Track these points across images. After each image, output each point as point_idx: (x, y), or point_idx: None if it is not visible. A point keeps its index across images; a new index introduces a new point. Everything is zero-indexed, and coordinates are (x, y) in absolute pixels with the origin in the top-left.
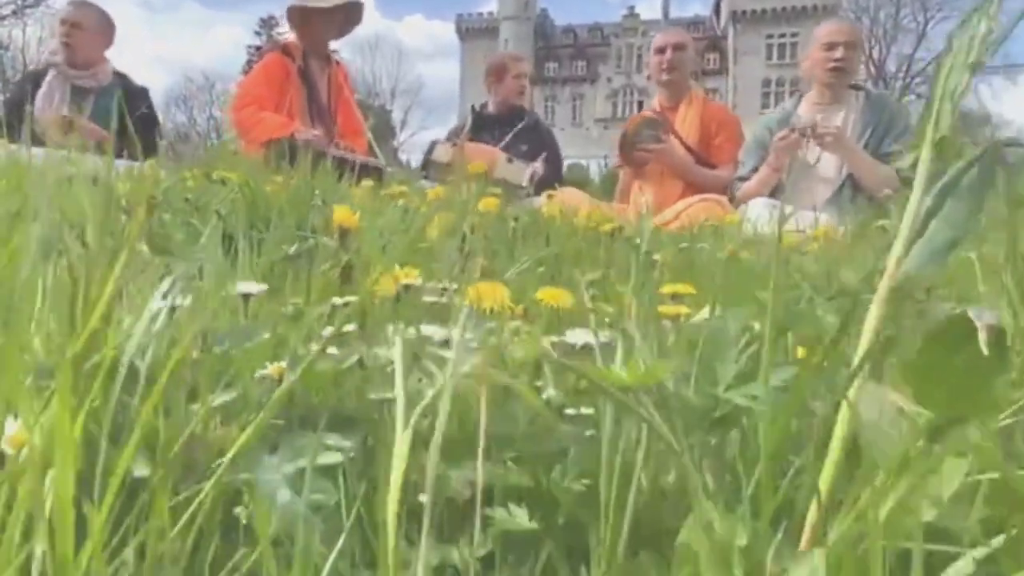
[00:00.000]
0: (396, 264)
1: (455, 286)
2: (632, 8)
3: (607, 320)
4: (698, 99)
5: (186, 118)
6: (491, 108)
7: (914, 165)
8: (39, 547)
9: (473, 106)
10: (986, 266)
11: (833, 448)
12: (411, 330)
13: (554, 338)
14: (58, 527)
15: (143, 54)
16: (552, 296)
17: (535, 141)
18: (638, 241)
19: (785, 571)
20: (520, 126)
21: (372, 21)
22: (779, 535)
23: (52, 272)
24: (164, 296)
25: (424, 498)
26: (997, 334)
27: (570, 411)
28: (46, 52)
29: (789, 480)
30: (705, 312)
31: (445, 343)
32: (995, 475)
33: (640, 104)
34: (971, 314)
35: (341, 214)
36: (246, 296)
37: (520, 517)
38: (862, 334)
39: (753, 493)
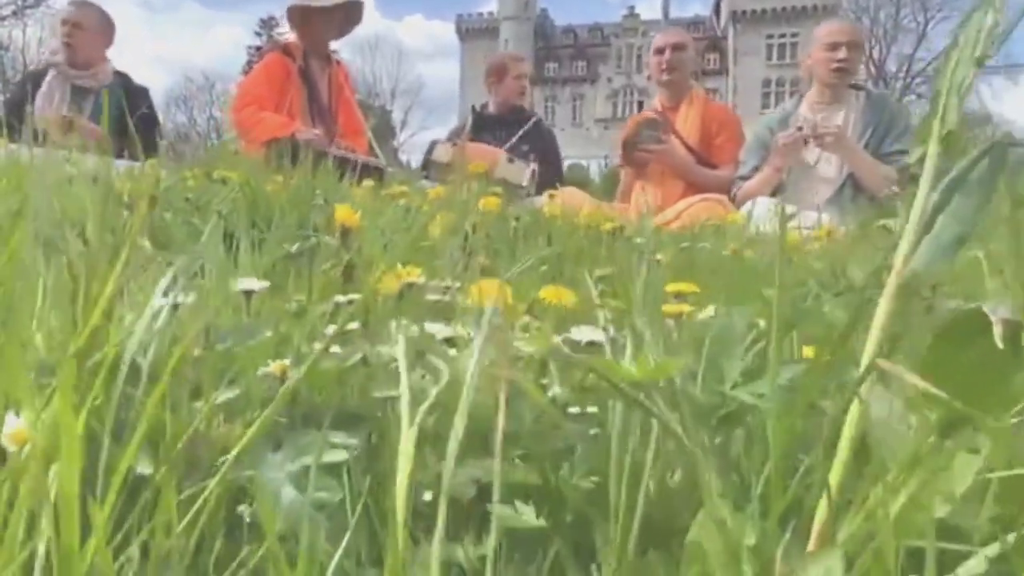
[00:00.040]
0: (398, 263)
1: (458, 284)
2: (632, 8)
3: (616, 317)
4: (699, 99)
5: (186, 118)
6: (491, 108)
7: (921, 160)
8: (42, 544)
9: (474, 106)
10: (992, 264)
11: (842, 446)
12: (414, 328)
13: (558, 336)
14: (63, 521)
15: (143, 54)
16: (555, 295)
17: (536, 141)
18: (640, 240)
19: (795, 571)
20: (524, 126)
21: (372, 21)
22: (788, 534)
23: (53, 270)
24: (166, 293)
25: (429, 496)
26: (1013, 328)
27: (574, 409)
28: (46, 52)
29: (798, 479)
30: (710, 310)
31: (449, 340)
32: (1005, 473)
33: (640, 104)
34: (986, 308)
35: (343, 213)
36: (248, 293)
37: (527, 515)
38: (870, 331)
39: (762, 492)
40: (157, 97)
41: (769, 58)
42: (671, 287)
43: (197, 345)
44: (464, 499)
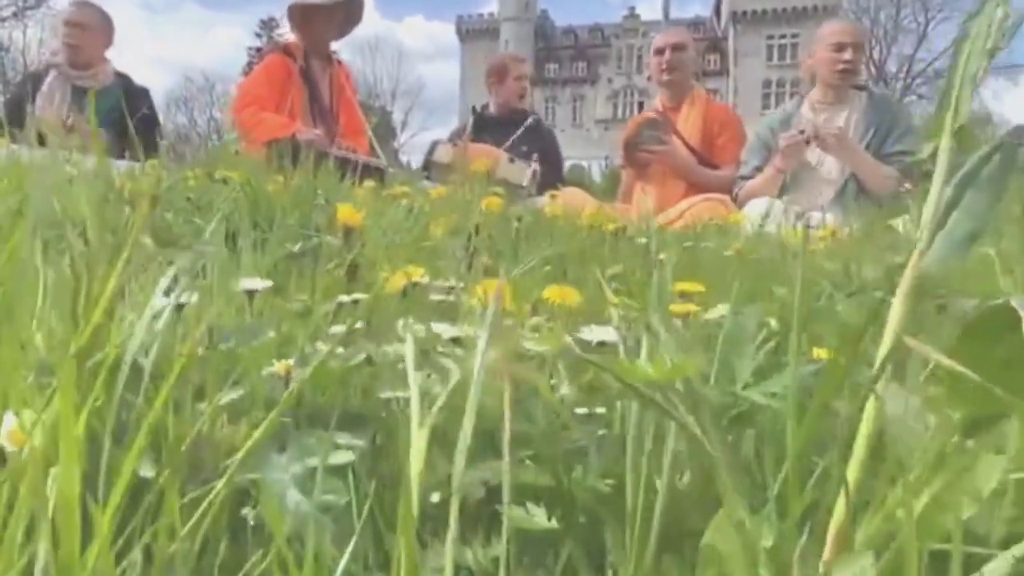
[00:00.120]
0: (402, 262)
1: (461, 284)
2: (632, 9)
3: (627, 316)
4: (700, 99)
5: (186, 119)
6: (492, 109)
7: (933, 155)
8: (42, 547)
9: (474, 107)
10: (1003, 263)
11: (858, 445)
12: (420, 327)
13: (568, 336)
14: (63, 526)
15: (143, 55)
16: (559, 294)
17: (536, 141)
18: (643, 240)
19: (817, 573)
20: (525, 126)
21: (372, 22)
22: (804, 536)
23: (53, 269)
24: (167, 292)
25: (436, 498)
26: None
27: (582, 410)
28: (47, 53)
29: (815, 480)
30: (718, 309)
31: (455, 340)
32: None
33: (641, 105)
34: (1014, 303)
35: (345, 212)
36: (251, 293)
37: (539, 516)
38: (885, 329)
39: (779, 493)
40: (157, 98)
41: (769, 59)
42: (677, 287)
43: (200, 345)
44: (472, 500)
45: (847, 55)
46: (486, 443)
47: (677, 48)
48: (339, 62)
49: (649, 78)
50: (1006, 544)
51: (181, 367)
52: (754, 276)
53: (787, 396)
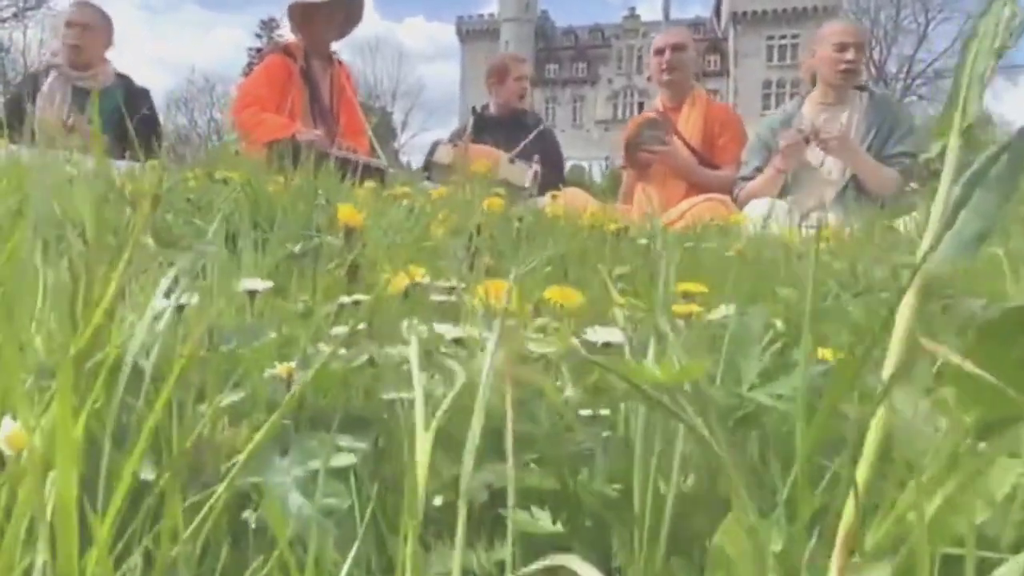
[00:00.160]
0: (403, 262)
1: (463, 285)
2: (633, 9)
3: (633, 316)
4: (701, 99)
5: (187, 120)
6: (492, 110)
7: (941, 154)
8: (40, 554)
9: (475, 108)
10: (1012, 262)
11: (868, 447)
12: (423, 328)
13: (573, 337)
14: (61, 536)
15: (143, 56)
16: (560, 295)
17: (537, 142)
18: (643, 241)
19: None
20: (533, 131)
21: (372, 23)
22: (812, 540)
23: (53, 270)
24: (168, 293)
25: (439, 501)
26: None
27: (585, 412)
28: (47, 54)
29: (824, 484)
30: (721, 310)
31: (458, 341)
32: None
33: (641, 106)
34: None
35: (346, 212)
36: (252, 293)
37: (543, 520)
38: (894, 330)
39: (788, 496)
40: (158, 99)
41: (770, 60)
42: (679, 287)
43: (201, 346)
44: (476, 503)
45: (849, 55)
46: (490, 445)
47: (677, 48)
48: (340, 62)
49: (649, 79)
50: (1016, 548)
51: (181, 368)
52: (756, 277)
53: (797, 398)
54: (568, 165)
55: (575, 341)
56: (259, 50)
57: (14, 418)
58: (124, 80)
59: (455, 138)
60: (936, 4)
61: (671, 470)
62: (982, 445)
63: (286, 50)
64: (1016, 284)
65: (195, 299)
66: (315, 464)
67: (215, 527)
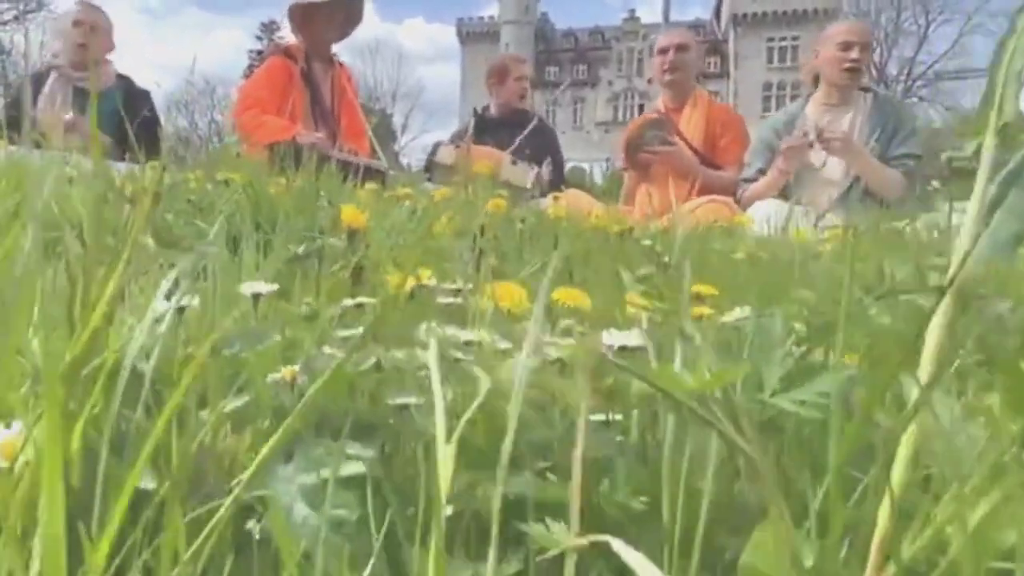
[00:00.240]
0: (413, 265)
1: (469, 286)
2: (633, 11)
3: (654, 319)
4: (703, 100)
5: (187, 122)
6: (493, 111)
7: (976, 153)
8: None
9: (475, 109)
10: None
11: (901, 456)
12: (432, 331)
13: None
14: (47, 563)
15: (144, 58)
16: (568, 297)
17: (538, 143)
18: (648, 242)
19: None
20: (528, 129)
21: (372, 25)
22: (843, 552)
23: (51, 272)
24: (168, 295)
25: (449, 511)
26: None
27: (598, 417)
28: (48, 55)
29: (857, 495)
30: (736, 312)
31: (469, 344)
32: None
33: (641, 107)
34: None
35: (349, 213)
36: (255, 296)
37: (560, 533)
38: (928, 335)
39: (820, 508)
40: (158, 101)
41: (770, 61)
42: (692, 289)
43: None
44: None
45: (854, 54)
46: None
47: (681, 48)
48: (340, 64)
49: (650, 80)
50: None
51: (191, 378)
52: (766, 278)
53: (829, 405)
54: (568, 167)
55: (599, 346)
56: (260, 52)
57: (8, 427)
58: (125, 81)
59: (456, 139)
60: (936, 6)
61: (697, 481)
62: None
63: (287, 52)
64: None
65: (196, 302)
66: (323, 472)
67: (219, 540)
